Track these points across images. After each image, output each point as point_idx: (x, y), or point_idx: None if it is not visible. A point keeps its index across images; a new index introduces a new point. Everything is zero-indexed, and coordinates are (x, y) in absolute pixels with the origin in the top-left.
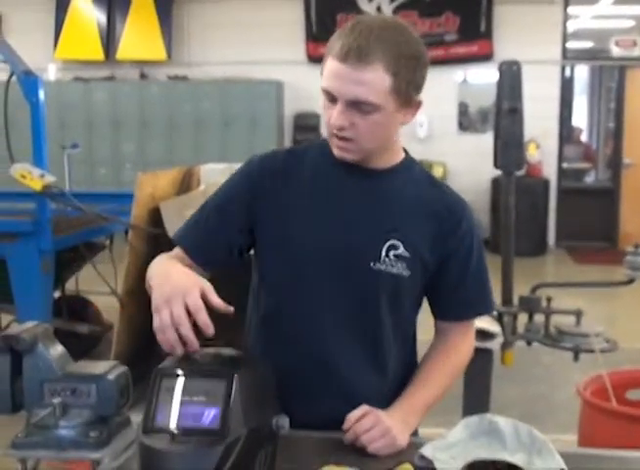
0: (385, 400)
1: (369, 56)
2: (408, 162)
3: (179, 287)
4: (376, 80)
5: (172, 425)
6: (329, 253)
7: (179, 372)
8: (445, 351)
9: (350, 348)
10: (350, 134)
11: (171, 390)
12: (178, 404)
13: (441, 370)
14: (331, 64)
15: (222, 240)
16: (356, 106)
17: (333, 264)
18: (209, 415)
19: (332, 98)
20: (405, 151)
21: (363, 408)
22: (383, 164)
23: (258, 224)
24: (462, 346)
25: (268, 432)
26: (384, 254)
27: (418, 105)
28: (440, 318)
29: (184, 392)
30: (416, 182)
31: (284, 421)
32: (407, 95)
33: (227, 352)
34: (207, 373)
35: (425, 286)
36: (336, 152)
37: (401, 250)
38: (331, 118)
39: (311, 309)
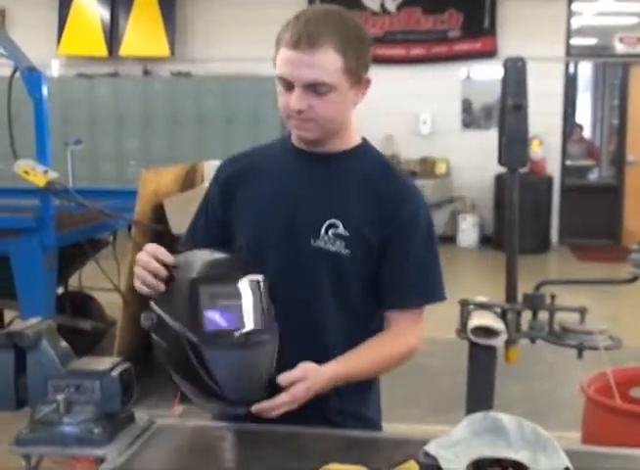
0: None
1: (318, 40)
2: (363, 147)
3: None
4: (328, 61)
5: (224, 327)
6: (276, 232)
7: (213, 279)
8: (382, 337)
9: (292, 325)
10: (309, 115)
11: (214, 296)
12: (224, 309)
13: (373, 350)
14: (283, 52)
15: (213, 241)
16: (312, 88)
17: (279, 243)
18: (253, 314)
19: (287, 85)
20: (364, 138)
21: (301, 371)
22: (336, 147)
23: (232, 221)
24: (403, 335)
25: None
26: (323, 231)
27: (367, 83)
28: (384, 306)
29: (226, 297)
30: (366, 166)
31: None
32: (357, 74)
33: (221, 256)
34: (237, 277)
35: (374, 270)
36: (295, 132)
37: (340, 229)
38: (289, 104)
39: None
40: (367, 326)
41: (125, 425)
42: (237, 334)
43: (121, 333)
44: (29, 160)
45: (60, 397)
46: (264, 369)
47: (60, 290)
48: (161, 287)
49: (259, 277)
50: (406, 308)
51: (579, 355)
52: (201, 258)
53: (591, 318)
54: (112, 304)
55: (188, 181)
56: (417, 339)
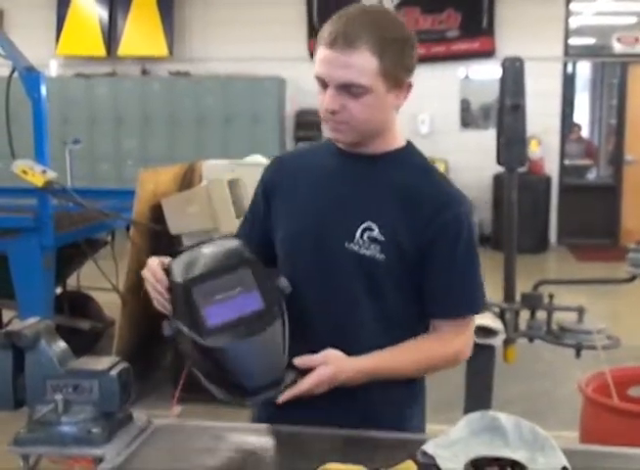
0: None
1: (355, 41)
2: (407, 150)
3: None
4: (363, 63)
5: (226, 321)
6: (310, 232)
7: (204, 276)
8: (424, 338)
9: (325, 328)
10: (343, 117)
11: (208, 293)
12: (221, 302)
13: (410, 349)
14: (320, 51)
15: (256, 239)
16: (346, 89)
17: (314, 245)
18: (253, 300)
19: (323, 84)
20: (409, 141)
21: (322, 356)
22: (378, 148)
23: (273, 220)
24: (448, 340)
25: (280, 294)
26: (358, 235)
27: (409, 87)
28: (428, 314)
29: (220, 290)
30: (408, 170)
31: (284, 281)
32: (396, 77)
33: (207, 247)
34: (229, 267)
35: (414, 278)
36: (330, 134)
37: (376, 232)
38: (324, 103)
39: (299, 289)
40: (404, 333)
41: (124, 425)
42: (238, 324)
43: (120, 333)
44: (28, 159)
45: (58, 396)
46: (277, 349)
47: (58, 290)
48: (167, 306)
49: (250, 263)
50: (448, 318)
51: (577, 355)
52: (193, 254)
53: (589, 318)
54: (110, 303)
55: (186, 181)
56: (464, 345)
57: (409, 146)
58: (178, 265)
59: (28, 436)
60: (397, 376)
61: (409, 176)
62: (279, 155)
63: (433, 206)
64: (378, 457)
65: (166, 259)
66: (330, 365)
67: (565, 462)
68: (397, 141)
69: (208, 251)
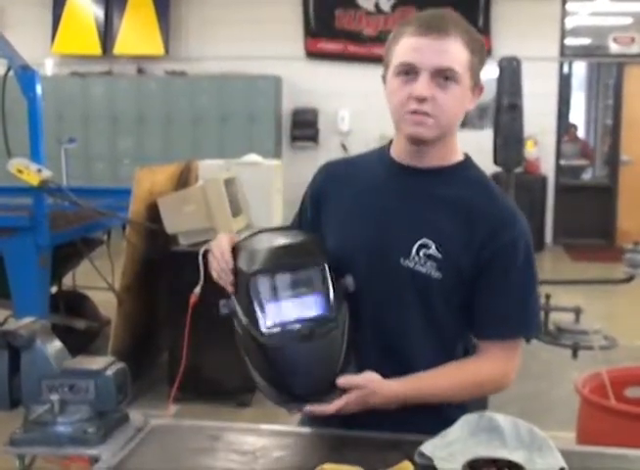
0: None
1: (449, 29)
2: (465, 165)
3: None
4: (457, 50)
5: (287, 320)
6: (364, 248)
7: (272, 269)
8: (467, 361)
9: (375, 344)
10: (430, 108)
11: (274, 288)
12: (286, 300)
13: (451, 372)
14: (408, 41)
15: None
16: (440, 75)
17: (367, 259)
18: (317, 303)
19: (410, 73)
20: (466, 155)
21: (364, 380)
22: (436, 162)
23: (322, 223)
24: (494, 363)
25: (344, 294)
26: (414, 251)
27: (481, 90)
28: (475, 335)
29: (286, 287)
30: (466, 186)
31: (350, 280)
32: (478, 76)
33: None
34: (300, 265)
35: (466, 297)
36: (410, 129)
37: (433, 250)
38: (413, 92)
39: (350, 302)
40: (454, 352)
41: (120, 425)
42: (298, 326)
43: (116, 332)
44: (23, 158)
45: (54, 396)
46: (331, 359)
47: (54, 289)
48: (230, 287)
49: (324, 263)
50: (500, 340)
51: (574, 355)
52: (265, 242)
53: (586, 318)
54: (106, 303)
55: (182, 180)
56: (512, 369)
57: (467, 160)
58: (247, 251)
59: (24, 436)
60: (438, 400)
61: (467, 193)
62: (329, 161)
63: (491, 225)
64: (375, 458)
65: (237, 237)
66: (364, 390)
67: (562, 463)
68: (455, 154)
69: (282, 241)
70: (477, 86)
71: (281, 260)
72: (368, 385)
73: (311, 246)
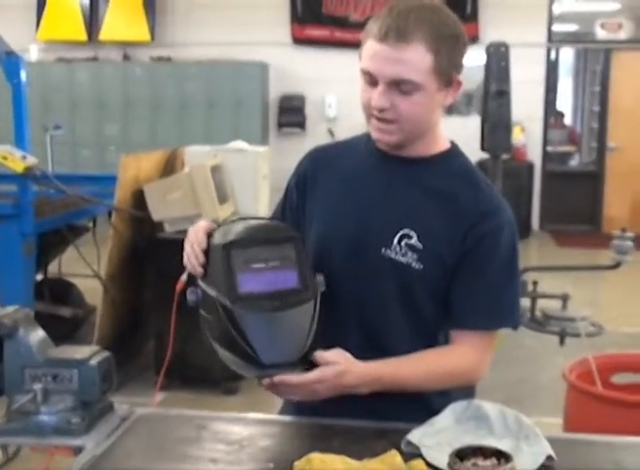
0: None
1: (409, 35)
2: (450, 153)
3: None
4: (417, 59)
5: (258, 291)
6: (346, 236)
7: (245, 242)
8: (441, 350)
9: (357, 332)
10: (391, 115)
11: (247, 260)
12: (258, 272)
13: (425, 360)
14: (370, 45)
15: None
16: (397, 86)
17: (348, 248)
18: (289, 277)
19: (371, 80)
20: (453, 143)
21: (336, 355)
22: (420, 151)
23: (307, 209)
24: (466, 353)
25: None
26: (395, 241)
27: (458, 85)
28: (450, 324)
29: (259, 260)
30: (450, 176)
31: (321, 279)
32: (449, 75)
33: (259, 222)
34: (273, 240)
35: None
36: (375, 134)
37: (414, 240)
38: (371, 100)
39: (330, 289)
40: (436, 342)
41: (104, 414)
42: (269, 296)
43: (101, 320)
44: (8, 145)
45: (37, 386)
46: (301, 332)
47: (39, 276)
48: (199, 270)
49: (298, 239)
50: (473, 330)
51: (561, 342)
52: (240, 224)
53: (573, 305)
54: (91, 290)
55: (169, 167)
56: (481, 360)
57: (453, 149)
58: (221, 231)
59: (7, 426)
60: (409, 387)
61: (450, 183)
62: (316, 147)
63: (473, 215)
64: (361, 447)
65: (215, 225)
66: (337, 365)
67: (549, 451)
68: (440, 144)
69: (256, 223)
70: (450, 83)
71: (255, 235)
72: (341, 361)
73: (284, 227)
